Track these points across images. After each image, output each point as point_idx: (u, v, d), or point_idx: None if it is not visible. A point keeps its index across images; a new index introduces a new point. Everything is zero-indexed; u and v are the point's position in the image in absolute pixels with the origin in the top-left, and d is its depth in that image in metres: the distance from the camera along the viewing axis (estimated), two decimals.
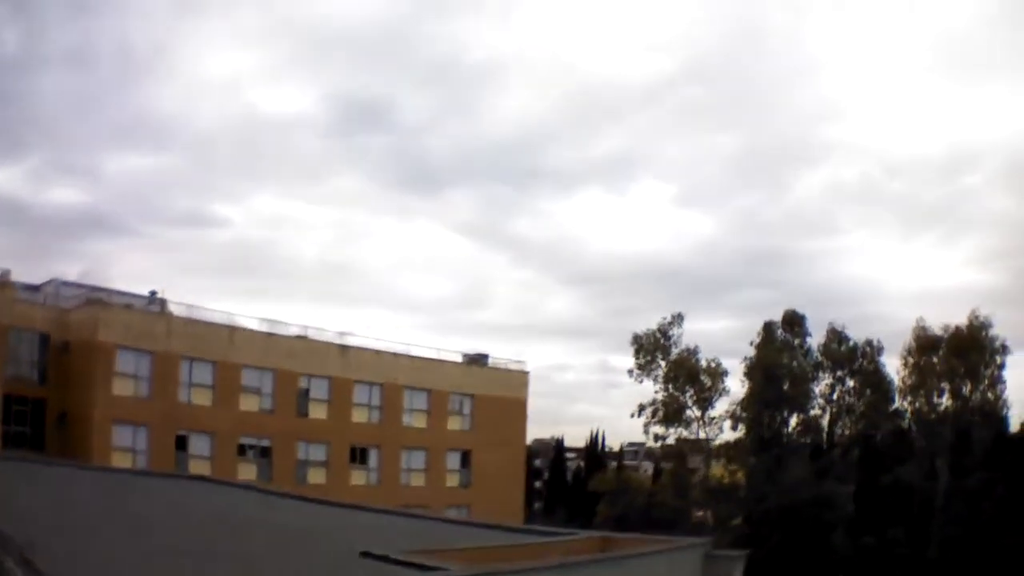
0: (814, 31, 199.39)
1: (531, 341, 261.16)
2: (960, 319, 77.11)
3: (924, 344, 77.70)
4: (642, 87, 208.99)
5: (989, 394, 77.11)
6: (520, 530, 27.18)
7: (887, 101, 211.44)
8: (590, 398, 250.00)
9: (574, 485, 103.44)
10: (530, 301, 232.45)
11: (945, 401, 77.15)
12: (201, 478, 42.17)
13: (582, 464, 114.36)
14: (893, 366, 79.89)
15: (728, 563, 19.37)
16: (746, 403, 75.24)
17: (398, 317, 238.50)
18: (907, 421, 79.16)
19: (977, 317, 76.78)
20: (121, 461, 48.25)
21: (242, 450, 55.13)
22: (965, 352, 76.00)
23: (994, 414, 76.07)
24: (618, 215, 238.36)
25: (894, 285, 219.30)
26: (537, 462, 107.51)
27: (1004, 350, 76.90)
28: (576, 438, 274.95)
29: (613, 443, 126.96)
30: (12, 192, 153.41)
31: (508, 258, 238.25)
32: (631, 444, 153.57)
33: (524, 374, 73.90)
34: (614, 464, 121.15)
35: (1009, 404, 78.93)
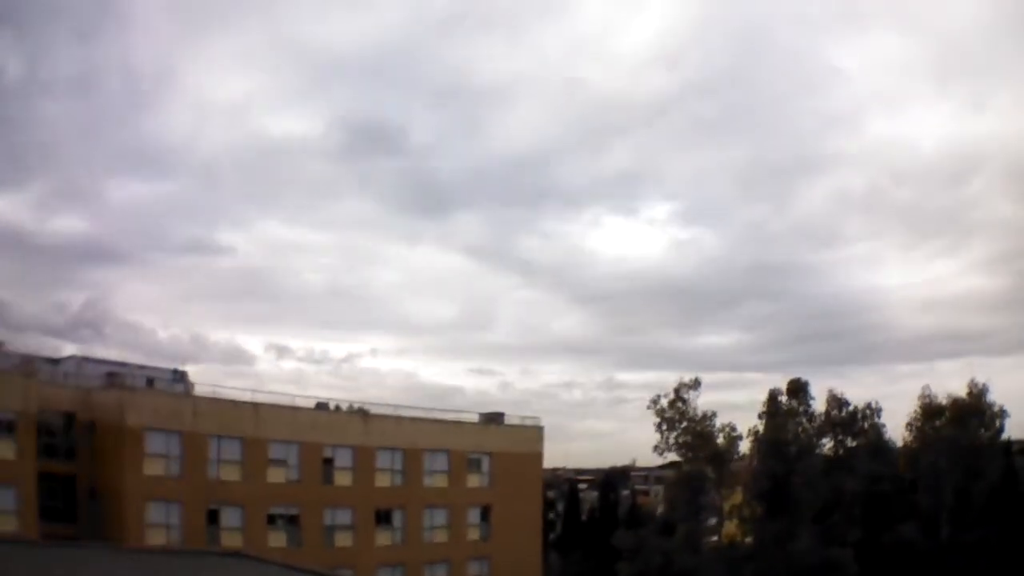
0: (821, 44, 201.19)
1: (539, 360, 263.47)
2: (959, 387, 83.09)
3: (928, 412, 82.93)
4: (649, 103, 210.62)
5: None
6: None
7: (892, 110, 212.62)
8: (597, 414, 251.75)
9: (589, 524, 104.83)
10: (537, 320, 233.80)
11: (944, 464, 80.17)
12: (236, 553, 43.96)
13: (595, 497, 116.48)
14: (891, 425, 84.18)
15: None
16: (755, 476, 77.47)
17: (405, 341, 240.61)
18: (907, 481, 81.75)
19: (976, 385, 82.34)
20: (155, 536, 50.07)
21: (271, 520, 56.48)
22: (965, 419, 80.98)
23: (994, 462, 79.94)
24: (625, 233, 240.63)
25: (900, 294, 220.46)
26: (550, 493, 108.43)
27: (1003, 414, 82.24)
28: (584, 456, 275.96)
29: (622, 459, 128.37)
30: (15, 220, 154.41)
31: (515, 278, 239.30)
32: (636, 470, 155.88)
33: (538, 429, 75.77)
34: (627, 496, 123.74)
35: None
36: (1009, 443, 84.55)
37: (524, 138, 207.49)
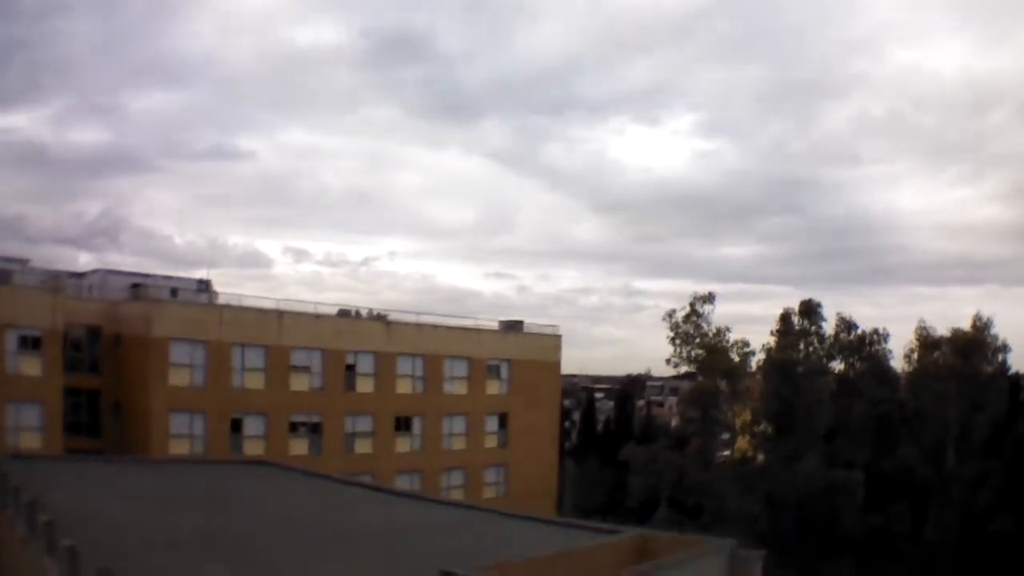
0: None
1: (557, 265, 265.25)
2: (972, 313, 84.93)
3: (926, 344, 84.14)
4: (675, 19, 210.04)
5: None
6: (559, 523, 29.82)
7: (916, 37, 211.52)
8: (614, 321, 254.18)
9: (604, 434, 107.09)
10: (558, 226, 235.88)
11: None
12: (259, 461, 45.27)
13: (611, 407, 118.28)
14: (901, 349, 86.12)
15: (749, 563, 22.08)
16: (765, 396, 78.83)
17: (424, 244, 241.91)
18: (911, 409, 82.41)
19: (980, 318, 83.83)
20: (178, 447, 51.34)
21: (294, 427, 57.66)
22: (968, 351, 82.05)
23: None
24: (648, 143, 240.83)
25: (918, 217, 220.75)
26: (566, 402, 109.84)
27: (1005, 348, 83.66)
28: (601, 363, 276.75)
29: (638, 367, 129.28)
30: (34, 135, 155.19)
31: (538, 184, 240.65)
32: (651, 379, 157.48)
33: (557, 337, 76.68)
34: (642, 407, 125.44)
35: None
36: (1018, 377, 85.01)
37: (550, 49, 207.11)
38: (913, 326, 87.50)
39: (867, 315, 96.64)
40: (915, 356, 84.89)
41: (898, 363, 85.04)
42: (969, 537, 72.46)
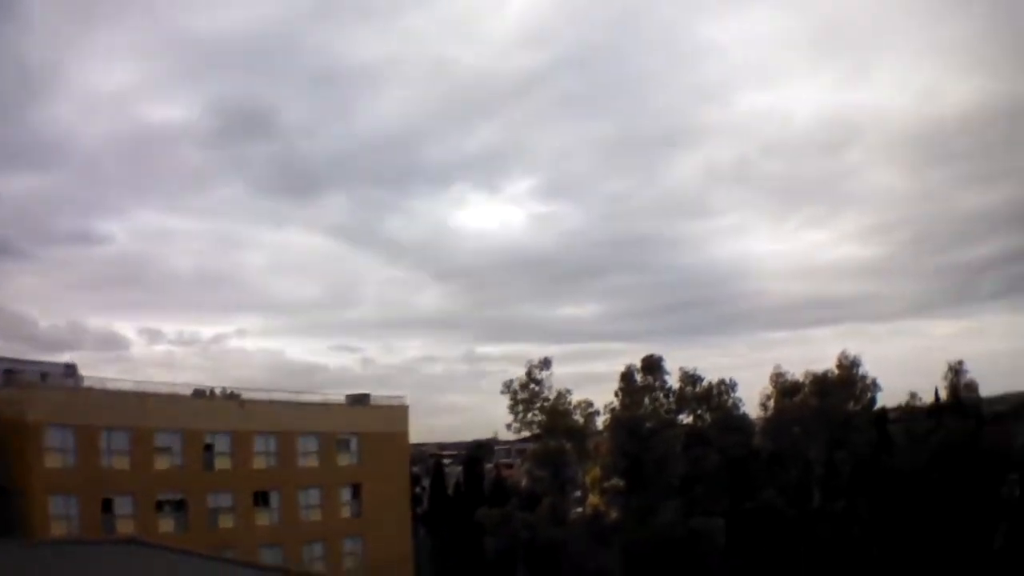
0: (696, 19, 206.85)
1: (401, 336, 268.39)
2: (834, 353, 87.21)
3: (783, 388, 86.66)
4: (517, 81, 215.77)
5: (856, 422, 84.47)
6: None
7: (766, 83, 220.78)
8: (459, 387, 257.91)
9: (455, 498, 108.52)
10: (400, 297, 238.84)
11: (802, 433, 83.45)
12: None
13: (460, 471, 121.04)
14: (756, 397, 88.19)
15: None
16: (613, 459, 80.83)
17: (271, 321, 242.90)
18: (768, 453, 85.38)
19: (846, 357, 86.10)
20: (58, 528, 52.96)
21: (160, 506, 59.89)
22: (831, 392, 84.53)
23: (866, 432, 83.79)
24: (488, 209, 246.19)
25: (770, 263, 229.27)
26: (415, 469, 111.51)
27: (875, 386, 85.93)
28: (448, 431, 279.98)
29: (485, 432, 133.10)
30: None
31: (379, 257, 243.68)
32: (499, 443, 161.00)
33: (403, 408, 79.83)
34: (492, 469, 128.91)
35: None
36: (884, 412, 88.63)
37: (392, 119, 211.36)
38: (769, 371, 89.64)
39: (720, 364, 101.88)
40: (771, 401, 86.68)
41: (753, 410, 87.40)
42: (842, 571, 75.28)
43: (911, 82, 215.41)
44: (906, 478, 77.45)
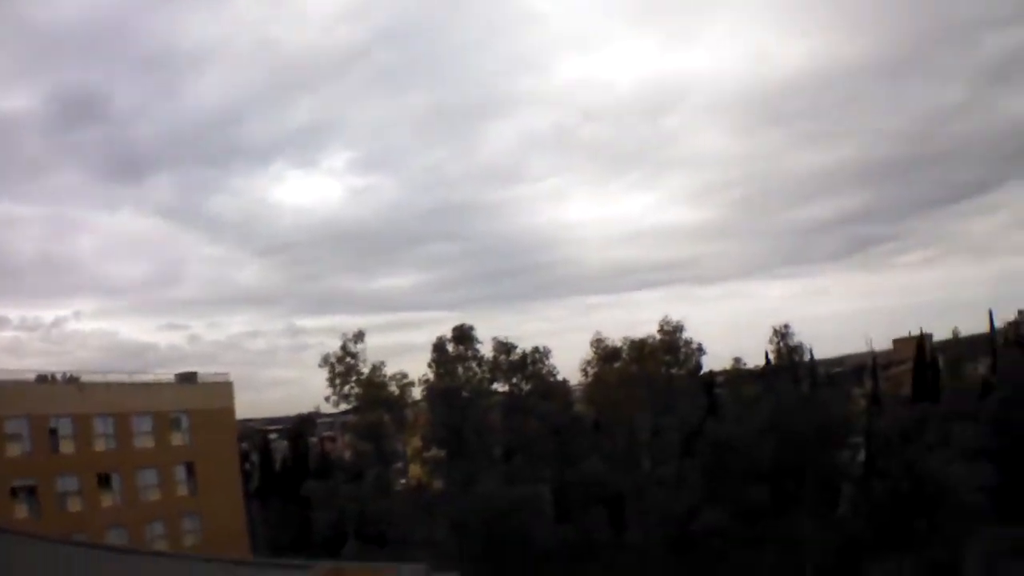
0: None
1: (225, 312, 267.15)
2: (658, 317, 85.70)
3: (604, 354, 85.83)
4: (337, 56, 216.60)
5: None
6: (254, 564, 34.54)
7: (589, 47, 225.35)
8: (281, 362, 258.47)
9: (282, 473, 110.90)
10: (223, 274, 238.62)
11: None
12: None
13: (286, 446, 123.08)
14: (570, 365, 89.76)
15: None
16: (432, 429, 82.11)
17: (105, 302, 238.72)
18: (589, 421, 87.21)
19: (668, 322, 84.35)
20: None
21: (14, 492, 61.35)
22: (654, 356, 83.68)
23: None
24: (307, 184, 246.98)
25: (593, 228, 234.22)
26: (244, 445, 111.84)
27: (700, 350, 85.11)
28: (273, 405, 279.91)
29: (308, 406, 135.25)
30: None
31: (203, 236, 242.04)
32: (322, 416, 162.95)
33: (228, 384, 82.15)
34: (316, 443, 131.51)
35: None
36: (711, 376, 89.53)
37: (216, 99, 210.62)
38: (591, 337, 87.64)
39: (542, 330, 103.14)
40: (591, 368, 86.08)
41: (574, 376, 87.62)
42: (673, 538, 75.64)
43: (742, 44, 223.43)
44: (738, 441, 76.01)
